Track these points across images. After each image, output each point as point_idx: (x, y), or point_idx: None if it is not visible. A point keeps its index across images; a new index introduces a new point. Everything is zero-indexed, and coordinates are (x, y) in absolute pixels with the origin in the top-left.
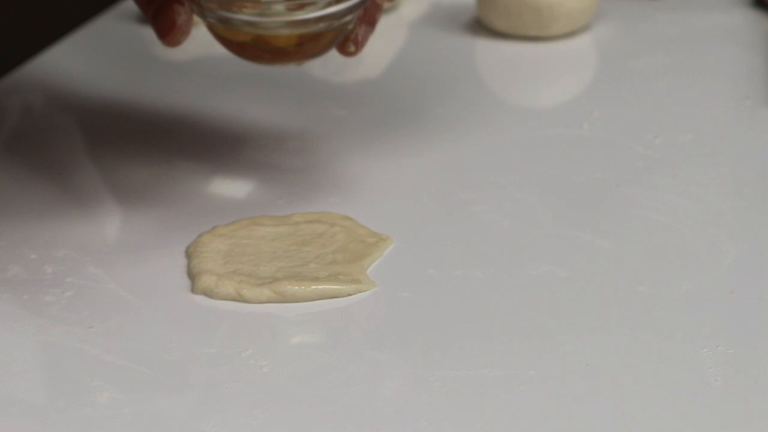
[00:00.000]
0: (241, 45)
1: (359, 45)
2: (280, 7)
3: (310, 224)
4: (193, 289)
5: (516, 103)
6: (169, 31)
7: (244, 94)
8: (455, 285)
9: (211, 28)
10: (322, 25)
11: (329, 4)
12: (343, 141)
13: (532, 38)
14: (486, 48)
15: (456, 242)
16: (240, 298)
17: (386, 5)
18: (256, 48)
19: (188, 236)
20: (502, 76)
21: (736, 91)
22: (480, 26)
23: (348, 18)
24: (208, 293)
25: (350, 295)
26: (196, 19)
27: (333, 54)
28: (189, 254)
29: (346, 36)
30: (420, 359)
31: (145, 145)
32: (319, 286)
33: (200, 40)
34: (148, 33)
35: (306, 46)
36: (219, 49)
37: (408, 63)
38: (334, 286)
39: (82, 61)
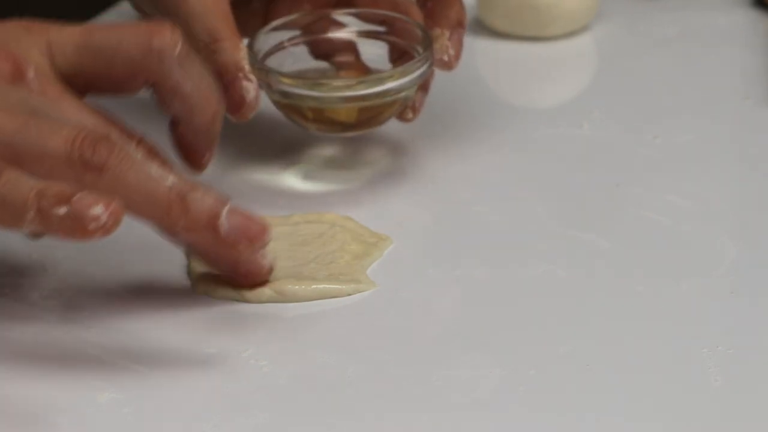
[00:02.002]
0: (304, 117)
1: (417, 111)
2: (342, 82)
3: (310, 224)
4: (194, 289)
5: (516, 103)
6: (239, 108)
7: None
8: (455, 285)
9: (276, 102)
10: (387, 99)
11: (391, 79)
12: (343, 141)
13: (531, 38)
14: (486, 48)
15: (456, 242)
16: (240, 298)
17: None
18: (318, 121)
19: None
20: (502, 76)
21: (736, 91)
22: (480, 26)
23: (409, 90)
24: (208, 293)
25: (350, 295)
26: None
27: None
28: (189, 254)
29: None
30: (420, 359)
31: None
32: (319, 286)
33: None
34: None
35: (367, 118)
36: None
37: None
38: (334, 286)
39: None
